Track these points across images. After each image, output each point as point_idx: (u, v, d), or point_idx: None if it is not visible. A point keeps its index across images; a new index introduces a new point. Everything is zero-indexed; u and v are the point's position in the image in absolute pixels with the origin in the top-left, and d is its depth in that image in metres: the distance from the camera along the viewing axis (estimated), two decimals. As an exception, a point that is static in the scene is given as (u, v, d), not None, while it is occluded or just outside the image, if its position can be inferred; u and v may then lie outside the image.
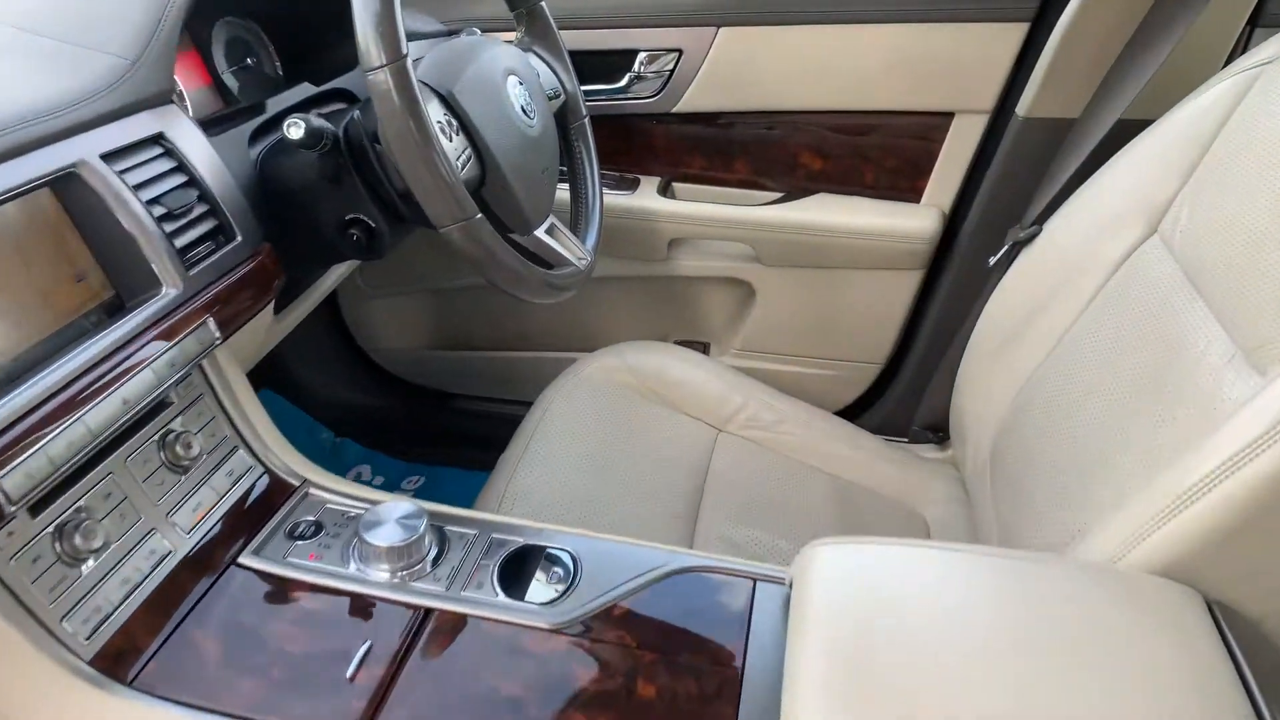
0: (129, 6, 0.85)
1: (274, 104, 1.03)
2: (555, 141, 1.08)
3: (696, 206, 1.40)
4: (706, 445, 1.24)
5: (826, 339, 1.49)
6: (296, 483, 0.88)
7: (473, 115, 0.92)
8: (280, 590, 0.76)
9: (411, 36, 1.25)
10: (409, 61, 0.79)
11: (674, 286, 1.53)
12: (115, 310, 0.77)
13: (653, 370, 1.30)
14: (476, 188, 0.95)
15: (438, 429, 1.74)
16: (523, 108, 1.00)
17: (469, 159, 0.92)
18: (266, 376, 1.67)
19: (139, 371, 0.73)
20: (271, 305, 1.04)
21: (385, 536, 0.77)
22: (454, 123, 0.91)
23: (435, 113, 0.89)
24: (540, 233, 1.04)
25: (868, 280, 1.41)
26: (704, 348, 1.59)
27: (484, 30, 1.24)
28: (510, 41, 1.13)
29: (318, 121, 0.85)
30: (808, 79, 1.31)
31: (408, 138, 0.80)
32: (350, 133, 0.91)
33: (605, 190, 1.43)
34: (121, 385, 0.72)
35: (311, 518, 0.84)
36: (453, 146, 0.89)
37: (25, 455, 0.64)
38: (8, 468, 0.62)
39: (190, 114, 0.88)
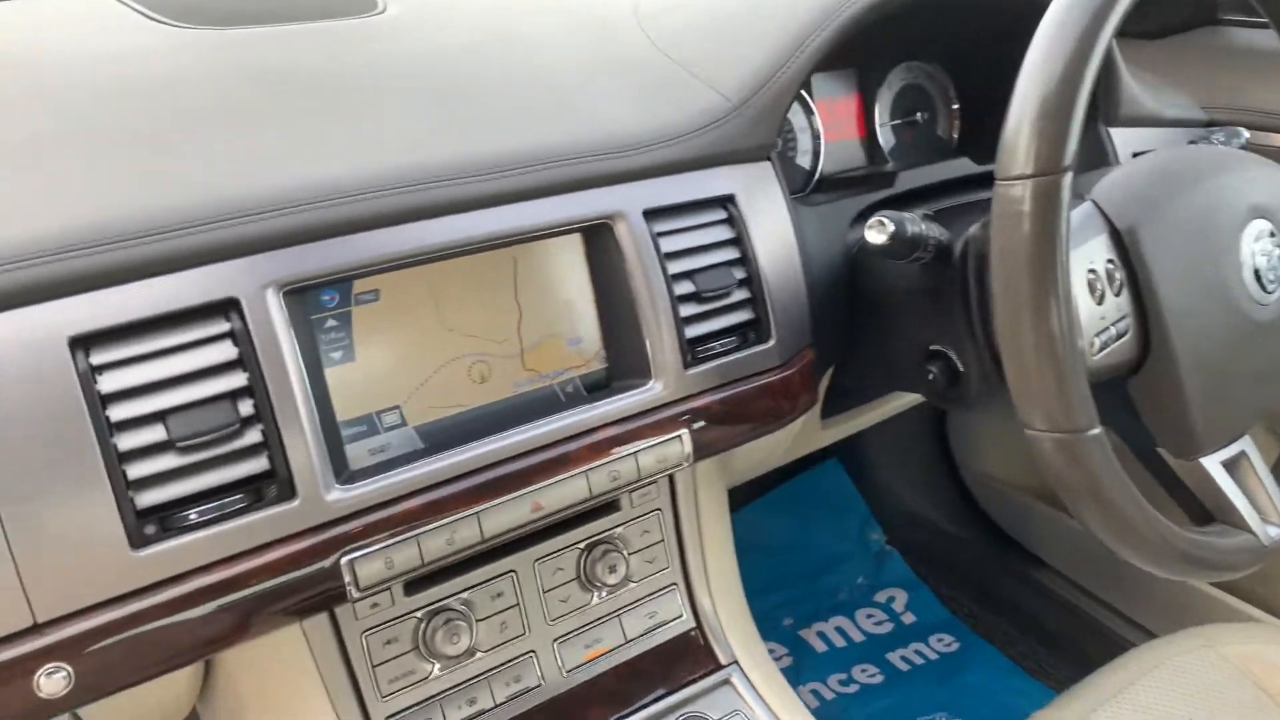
0: (761, 40, 0.71)
1: (909, 178, 0.81)
2: None
3: None
4: None
5: None
6: (724, 660, 0.68)
7: (1155, 269, 0.58)
8: None
9: (1148, 121, 0.91)
10: (1067, 179, 0.51)
11: None
12: (600, 386, 0.65)
13: None
14: (1124, 374, 0.61)
15: (1002, 593, 1.38)
16: (1257, 271, 0.62)
17: (1124, 331, 0.59)
18: (841, 444, 1.50)
19: (588, 469, 0.60)
20: (816, 409, 0.85)
21: None
22: (1118, 275, 0.58)
23: (1094, 255, 0.58)
24: (1211, 462, 0.65)
25: None
26: None
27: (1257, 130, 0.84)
28: None
29: (915, 228, 0.61)
30: None
31: (1017, 287, 0.52)
32: (972, 248, 0.65)
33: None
34: (560, 479, 0.59)
35: (712, 716, 0.64)
36: (1100, 311, 0.57)
37: (428, 528, 0.54)
38: (414, 532, 0.54)
39: (780, 177, 0.71)
